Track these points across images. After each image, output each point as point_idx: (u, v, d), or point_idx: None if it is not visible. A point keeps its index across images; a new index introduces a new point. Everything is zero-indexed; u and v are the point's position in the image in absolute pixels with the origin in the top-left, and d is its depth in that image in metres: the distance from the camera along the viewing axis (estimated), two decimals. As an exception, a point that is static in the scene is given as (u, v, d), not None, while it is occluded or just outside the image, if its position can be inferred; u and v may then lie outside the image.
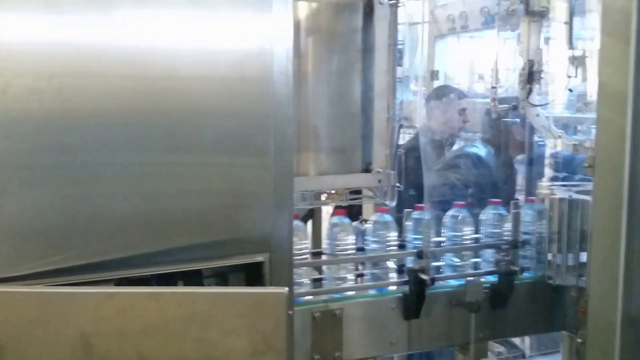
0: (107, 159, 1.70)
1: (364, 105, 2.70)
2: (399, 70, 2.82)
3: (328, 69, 2.68)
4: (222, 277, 1.96)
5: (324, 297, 2.51)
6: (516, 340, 4.15)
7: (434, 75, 5.88)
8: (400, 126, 2.80)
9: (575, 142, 2.79)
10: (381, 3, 2.66)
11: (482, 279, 2.70)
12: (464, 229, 2.78)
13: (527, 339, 4.18)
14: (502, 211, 2.83)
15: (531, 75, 2.95)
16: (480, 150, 3.85)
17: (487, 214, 2.83)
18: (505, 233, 2.79)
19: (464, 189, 3.65)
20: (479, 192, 3.65)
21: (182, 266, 1.82)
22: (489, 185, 3.73)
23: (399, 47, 2.83)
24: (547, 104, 2.99)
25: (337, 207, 2.74)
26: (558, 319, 2.82)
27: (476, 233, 2.81)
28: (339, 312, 2.49)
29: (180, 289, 1.75)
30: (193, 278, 1.89)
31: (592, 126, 3.64)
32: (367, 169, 2.70)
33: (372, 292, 2.64)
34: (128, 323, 1.59)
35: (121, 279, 1.73)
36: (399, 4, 2.77)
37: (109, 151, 1.70)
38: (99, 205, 1.69)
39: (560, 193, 2.65)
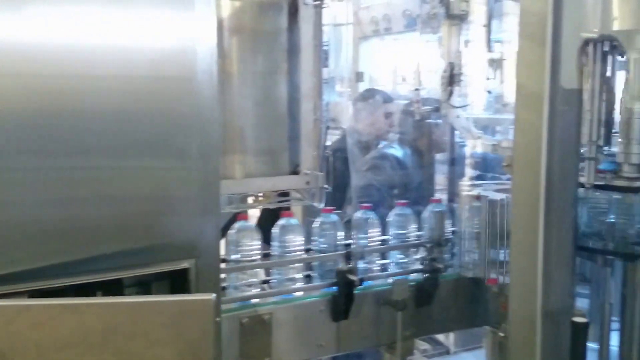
0: (15, 164, 1.61)
1: (290, 107, 2.68)
2: (324, 71, 2.82)
3: (253, 69, 2.64)
4: (144, 286, 1.89)
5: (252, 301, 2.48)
6: (440, 337, 4.24)
7: (359, 76, 5.95)
8: (327, 127, 2.80)
9: (494, 143, 2.87)
10: (306, 4, 2.65)
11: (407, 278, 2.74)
12: (380, 230, 2.81)
13: (451, 336, 4.27)
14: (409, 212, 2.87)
15: (452, 78, 3.02)
16: (398, 151, 3.90)
17: (393, 215, 2.87)
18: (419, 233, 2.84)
19: (382, 190, 3.69)
20: (398, 192, 3.70)
21: (101, 276, 1.75)
22: (407, 186, 3.79)
23: (325, 48, 2.83)
24: (467, 105, 3.07)
25: (264, 210, 2.71)
26: (481, 314, 2.89)
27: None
28: (268, 317, 2.47)
29: (100, 300, 1.67)
30: (113, 288, 1.81)
31: (510, 127, 3.77)
32: (295, 171, 2.68)
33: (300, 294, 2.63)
34: (45, 337, 1.51)
35: (34, 291, 1.64)
36: (324, 5, 2.77)
37: (16, 155, 1.61)
38: (6, 212, 1.60)
39: (482, 192, 2.72)
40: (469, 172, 3.60)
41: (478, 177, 3.24)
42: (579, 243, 2.29)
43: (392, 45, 5.84)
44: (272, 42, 2.67)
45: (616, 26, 2.34)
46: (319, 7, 2.74)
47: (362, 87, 6.02)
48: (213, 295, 1.53)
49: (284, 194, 2.81)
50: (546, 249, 1.89)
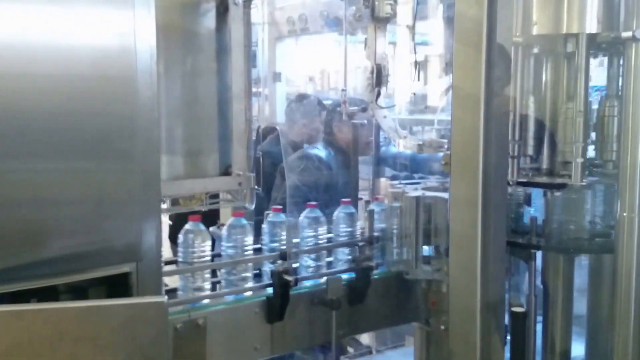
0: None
1: (220, 107, 2.64)
2: (253, 71, 2.80)
3: (182, 69, 2.59)
4: (80, 292, 1.81)
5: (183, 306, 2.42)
6: (361, 337, 4.30)
7: (276, 77, 5.95)
8: (259, 128, 2.78)
9: (420, 142, 2.95)
10: (236, 4, 2.62)
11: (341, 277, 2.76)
12: (319, 229, 2.82)
13: (373, 336, 4.35)
14: (352, 210, 2.91)
15: (378, 79, 3.07)
16: (321, 151, 3.93)
17: (337, 214, 2.90)
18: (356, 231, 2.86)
19: (306, 190, 3.71)
20: (322, 192, 3.73)
21: (35, 283, 1.65)
22: (331, 186, 3.83)
23: (253, 48, 2.81)
24: (393, 106, 3.13)
25: (191, 213, 2.64)
26: (410, 310, 2.96)
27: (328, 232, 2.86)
28: (202, 321, 2.41)
29: (47, 305, 1.58)
30: (48, 296, 1.71)
31: (427, 127, 3.89)
32: (226, 172, 2.64)
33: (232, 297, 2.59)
34: (-13, 345, 1.41)
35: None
36: (252, 5, 2.75)
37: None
38: None
39: (410, 191, 2.78)
40: (397, 171, 3.69)
41: (406, 177, 3.33)
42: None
43: (310, 46, 5.89)
44: (201, 42, 2.62)
45: (535, 31, 2.48)
46: (247, 7, 2.72)
47: (279, 87, 6.03)
48: (164, 298, 1.49)
49: (214, 196, 2.76)
50: (484, 242, 1.97)
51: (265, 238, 2.71)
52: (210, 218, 2.79)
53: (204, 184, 2.59)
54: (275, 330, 2.61)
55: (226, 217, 3.10)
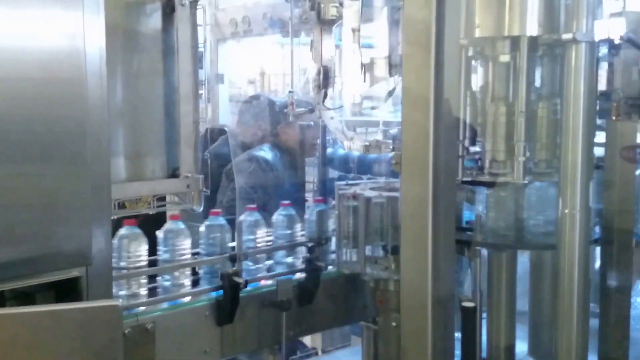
0: None
1: (168, 109, 2.61)
2: (200, 73, 2.77)
3: (127, 70, 2.55)
4: (27, 298, 1.75)
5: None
6: (307, 339, 4.32)
7: (218, 78, 5.90)
8: (207, 130, 2.76)
9: (366, 143, 2.98)
10: (183, 4, 2.60)
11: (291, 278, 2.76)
12: (266, 231, 2.82)
13: (319, 337, 4.37)
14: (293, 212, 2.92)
15: (325, 80, 3.10)
16: (267, 153, 3.92)
17: (279, 216, 2.90)
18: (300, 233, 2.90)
19: (252, 192, 3.70)
20: (269, 194, 3.72)
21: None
22: (278, 188, 3.83)
23: (200, 49, 2.79)
24: (341, 107, 3.16)
25: (127, 218, 2.58)
26: (358, 310, 2.99)
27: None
28: (151, 325, 2.37)
29: (-2, 312, 1.52)
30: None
31: (371, 128, 3.94)
32: (174, 174, 2.61)
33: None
34: None
35: None
36: (199, 6, 2.73)
37: None
38: None
39: (358, 191, 2.81)
40: (344, 172, 3.72)
41: (354, 177, 3.36)
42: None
43: (253, 47, 5.86)
44: (147, 43, 2.59)
45: (478, 33, 2.55)
46: (194, 8, 2.70)
47: (222, 89, 5.98)
48: (119, 301, 1.46)
49: (161, 199, 2.72)
50: (435, 239, 2.01)
51: (204, 241, 2.67)
52: (157, 221, 2.74)
53: (151, 187, 2.56)
54: (225, 332, 2.60)
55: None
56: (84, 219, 1.71)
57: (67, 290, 1.72)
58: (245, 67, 7.21)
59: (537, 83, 2.69)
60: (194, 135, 2.62)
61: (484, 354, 2.74)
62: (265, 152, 3.91)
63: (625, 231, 2.48)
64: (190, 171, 2.61)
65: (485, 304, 2.76)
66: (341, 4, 3.11)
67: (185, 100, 2.60)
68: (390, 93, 3.21)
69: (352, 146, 3.16)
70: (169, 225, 2.52)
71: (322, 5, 3.13)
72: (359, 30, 3.15)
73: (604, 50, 2.61)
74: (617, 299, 2.52)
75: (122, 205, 2.56)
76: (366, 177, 3.62)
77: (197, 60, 2.73)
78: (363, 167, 3.90)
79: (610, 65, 2.62)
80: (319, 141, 3.72)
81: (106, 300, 1.61)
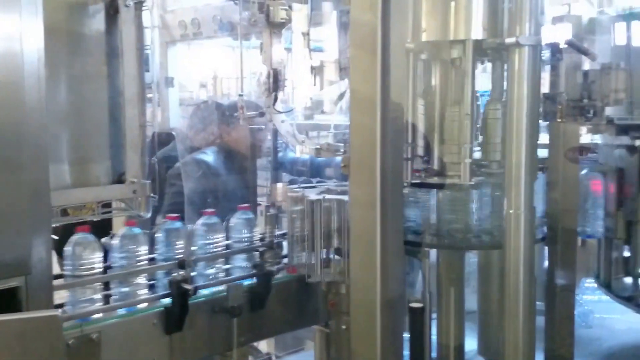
0: None
1: (113, 112, 2.55)
2: (147, 75, 2.72)
3: (69, 73, 2.48)
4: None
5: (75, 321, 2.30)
6: (261, 345, 4.29)
7: (168, 81, 5.82)
8: (154, 134, 2.71)
9: (317, 146, 2.98)
10: (127, 6, 2.54)
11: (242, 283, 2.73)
12: (215, 236, 2.78)
13: (272, 342, 4.34)
14: (251, 215, 2.89)
15: (275, 84, 3.08)
16: (209, 156, 3.87)
17: (237, 220, 2.88)
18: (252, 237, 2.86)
19: (194, 196, 3.64)
20: (213, 198, 3.67)
21: None
22: (223, 191, 3.78)
23: (146, 51, 2.74)
24: (291, 110, 3.15)
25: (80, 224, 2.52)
26: (310, 314, 2.98)
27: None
28: (97, 335, 2.30)
29: None
30: None
31: (323, 132, 3.94)
32: (119, 180, 2.55)
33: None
34: None
35: None
36: (144, 8, 2.68)
37: None
38: None
39: (308, 194, 2.80)
40: (295, 176, 3.71)
41: (305, 181, 3.35)
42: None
43: (203, 50, 5.81)
44: (90, 45, 2.53)
45: (425, 37, 2.58)
46: (139, 10, 2.64)
47: (172, 92, 5.90)
48: (59, 311, 1.41)
49: (107, 205, 2.65)
50: (383, 242, 2.02)
51: (160, 247, 2.63)
52: (102, 228, 2.67)
53: (95, 193, 2.49)
54: (174, 341, 2.55)
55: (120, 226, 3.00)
56: (22, 227, 1.65)
57: (6, 301, 1.66)
58: (196, 71, 7.14)
59: (488, 86, 2.74)
60: (141, 140, 2.56)
61: (434, 354, 2.77)
62: (207, 155, 3.85)
63: (569, 230, 2.54)
64: (137, 176, 2.55)
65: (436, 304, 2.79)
66: (290, 7, 3.10)
67: (130, 104, 2.54)
68: (341, 96, 3.22)
69: (304, 150, 3.15)
70: (124, 231, 2.46)
71: (271, 8, 3.11)
72: (308, 34, 3.15)
73: (548, 54, 2.68)
74: (562, 297, 2.58)
75: (65, 213, 2.49)
76: (316, 181, 3.62)
77: (143, 62, 2.67)
78: (315, 170, 3.90)
79: (555, 68, 2.69)
80: (269, 144, 3.69)
81: (45, 310, 1.55)
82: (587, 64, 2.74)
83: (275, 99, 3.07)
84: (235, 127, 3.72)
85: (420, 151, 2.68)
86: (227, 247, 2.82)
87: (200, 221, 2.75)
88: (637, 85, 2.55)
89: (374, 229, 2.02)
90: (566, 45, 2.65)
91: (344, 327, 2.51)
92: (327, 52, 3.21)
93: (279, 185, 3.50)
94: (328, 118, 3.52)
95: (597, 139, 2.98)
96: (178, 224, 2.66)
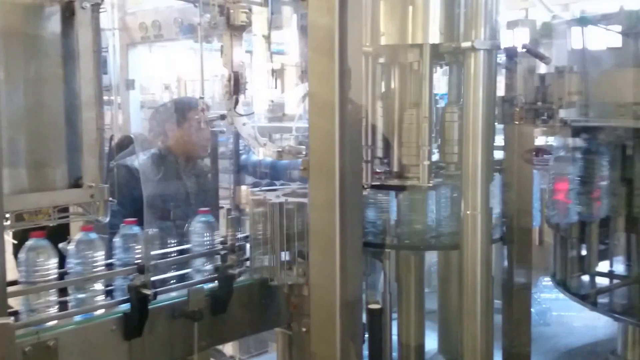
0: None
1: (69, 115, 2.51)
2: (104, 78, 2.69)
3: (23, 75, 2.43)
4: None
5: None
6: (225, 347, 4.27)
7: (129, 84, 5.76)
8: (111, 137, 2.67)
9: (279, 149, 2.99)
10: (83, 7, 2.50)
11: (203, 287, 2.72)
12: (175, 240, 2.77)
13: (236, 345, 4.33)
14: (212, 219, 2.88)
15: (236, 86, 3.08)
16: (140, 160, 3.81)
17: (196, 223, 2.86)
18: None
19: (152, 200, 3.59)
20: (172, 202, 3.63)
21: None
22: (181, 195, 3.75)
23: (103, 54, 2.70)
24: (252, 113, 3.15)
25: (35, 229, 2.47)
26: (273, 316, 2.98)
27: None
28: (53, 342, 2.27)
29: None
30: None
31: (287, 134, 3.95)
32: (76, 184, 2.51)
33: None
34: None
35: None
36: (101, 9, 2.65)
37: None
38: None
39: (270, 197, 2.81)
40: (258, 179, 3.70)
41: (269, 183, 3.34)
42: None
43: (165, 52, 5.77)
44: (45, 47, 2.48)
45: (383, 41, 2.61)
46: (96, 12, 2.61)
47: (133, 95, 5.84)
48: (11, 319, 1.38)
49: (63, 210, 2.61)
50: (342, 244, 2.04)
51: (118, 252, 2.60)
52: (60, 234, 2.63)
53: (51, 198, 2.44)
54: (134, 347, 2.52)
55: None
56: (-28, 233, 1.61)
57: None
58: (159, 73, 7.08)
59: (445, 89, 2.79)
60: (98, 143, 2.53)
61: (394, 354, 2.80)
62: (134, 159, 3.79)
63: (525, 230, 2.60)
64: (95, 180, 2.51)
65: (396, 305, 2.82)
66: (251, 10, 3.10)
67: (87, 107, 2.50)
68: (303, 99, 3.23)
69: (265, 152, 3.16)
70: (80, 236, 2.42)
71: (232, 11, 3.11)
72: (269, 37, 3.16)
73: (504, 57, 2.73)
74: (518, 295, 2.63)
75: (21, 218, 2.44)
76: (280, 183, 3.62)
77: (101, 65, 2.64)
78: (281, 172, 3.90)
79: (512, 72, 2.74)
80: (226, 147, 3.67)
81: (-5, 318, 1.52)
82: (542, 68, 2.80)
83: (236, 102, 3.06)
84: (182, 129, 3.67)
85: (380, 153, 2.71)
86: (188, 250, 2.81)
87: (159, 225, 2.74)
88: (592, 88, 2.62)
89: (333, 230, 2.04)
90: (524, 50, 2.70)
91: (303, 329, 2.51)
92: (289, 55, 3.22)
93: (243, 188, 3.50)
94: (291, 120, 3.54)
95: (552, 140, 3.05)
96: (136, 229, 2.64)
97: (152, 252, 2.58)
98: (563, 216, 2.83)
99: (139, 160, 3.72)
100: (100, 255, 2.48)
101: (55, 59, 2.51)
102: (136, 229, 2.62)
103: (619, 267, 2.88)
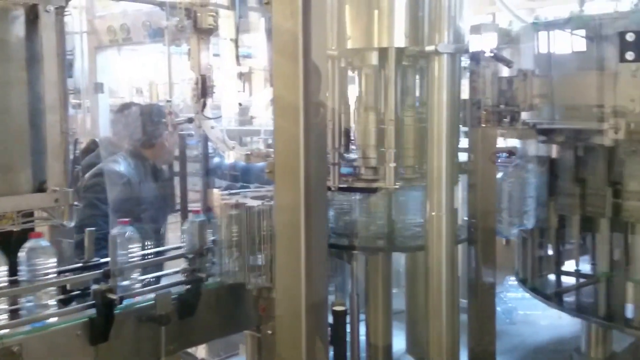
0: None
1: (33, 119, 2.48)
2: (69, 81, 2.67)
3: (-10, 79, 2.41)
4: None
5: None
6: (197, 350, 4.25)
7: (97, 87, 5.71)
8: (76, 141, 2.65)
9: (248, 152, 3.00)
10: (47, 11, 2.48)
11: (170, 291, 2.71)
12: (139, 244, 2.75)
13: (207, 347, 4.31)
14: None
15: (204, 90, 3.08)
16: (120, 165, 3.80)
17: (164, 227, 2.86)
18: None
19: (117, 205, 3.57)
20: (137, 207, 3.61)
21: None
22: (143, 199, 3.73)
23: (68, 57, 2.69)
24: (220, 116, 3.15)
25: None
26: (242, 319, 2.98)
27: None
28: (17, 348, 2.25)
29: None
30: None
31: (256, 137, 3.96)
32: (41, 188, 2.48)
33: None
34: None
35: None
36: (66, 13, 2.63)
37: None
38: None
39: (239, 200, 2.81)
40: (227, 181, 3.70)
41: (240, 187, 3.34)
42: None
43: (133, 56, 5.73)
44: (9, 51, 2.45)
45: (350, 45, 2.63)
46: (60, 15, 2.60)
47: (102, 98, 5.79)
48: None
49: (28, 214, 2.58)
50: (307, 246, 2.05)
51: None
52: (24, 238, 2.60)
53: (14, 202, 2.41)
54: (100, 352, 2.50)
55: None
56: None
57: None
58: (128, 76, 7.03)
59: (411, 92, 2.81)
60: (62, 147, 2.51)
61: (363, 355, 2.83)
62: (118, 164, 3.77)
63: (489, 230, 2.63)
64: (59, 184, 2.49)
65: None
66: (218, 14, 3.11)
67: (51, 110, 2.48)
68: (271, 102, 3.24)
69: (234, 155, 3.16)
70: (30, 243, 2.39)
71: (199, 14, 3.11)
72: (236, 40, 3.17)
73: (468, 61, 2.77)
74: (483, 295, 2.67)
75: (-17, 223, 2.41)
76: (254, 186, 3.62)
77: (66, 68, 2.62)
78: (253, 176, 3.89)
79: (477, 75, 2.78)
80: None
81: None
82: (507, 71, 2.85)
83: (204, 105, 3.07)
84: (151, 133, 3.66)
85: (347, 156, 2.73)
86: (158, 254, 2.80)
87: (127, 230, 2.71)
88: (557, 91, 2.67)
89: (298, 233, 2.05)
90: (489, 54, 2.74)
91: (269, 332, 2.52)
92: (257, 58, 3.23)
93: (215, 191, 3.49)
94: (260, 124, 3.54)
95: (517, 142, 3.10)
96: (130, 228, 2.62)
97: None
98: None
99: (104, 164, 3.69)
100: (52, 262, 2.43)
101: (20, 63, 2.48)
102: (44, 242, 2.56)
103: (586, 267, 2.92)
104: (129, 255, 2.66)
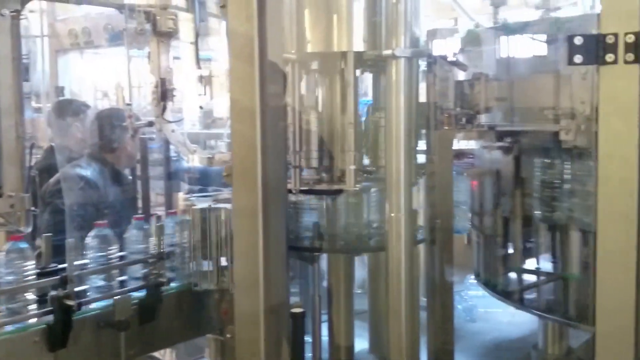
0: None
1: (-13, 124, 2.46)
2: (25, 85, 2.65)
3: None
4: None
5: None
6: (160, 354, 4.22)
7: (58, 91, 5.63)
8: (32, 145, 2.62)
9: (209, 156, 2.99)
10: (2, 15, 2.46)
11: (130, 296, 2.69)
12: (108, 248, 2.73)
13: (172, 351, 4.28)
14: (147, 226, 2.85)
15: (164, 93, 3.07)
16: (85, 169, 3.76)
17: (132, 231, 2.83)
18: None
19: (77, 210, 3.52)
20: (96, 211, 3.57)
21: None
22: (107, 203, 3.69)
23: (25, 61, 2.66)
24: (181, 120, 3.14)
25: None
26: (204, 323, 2.97)
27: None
28: (-28, 357, 2.21)
29: None
30: None
31: (220, 141, 3.96)
32: (-4, 194, 2.46)
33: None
34: None
35: None
36: (21, 17, 2.61)
37: None
38: None
39: (200, 203, 2.80)
40: (188, 185, 3.68)
41: (200, 190, 3.33)
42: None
43: (95, 59, 5.67)
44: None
45: (309, 48, 2.65)
46: (16, 19, 2.57)
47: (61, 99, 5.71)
48: None
49: (-16, 220, 2.55)
50: (265, 250, 2.06)
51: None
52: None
53: (-31, 208, 2.38)
54: (59, 358, 2.47)
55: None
56: None
57: None
58: (90, 80, 6.94)
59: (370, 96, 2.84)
60: (18, 152, 2.48)
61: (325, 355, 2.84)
62: (83, 169, 3.72)
63: (446, 230, 2.68)
64: (15, 189, 2.47)
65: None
66: (177, 17, 3.11)
67: (6, 115, 2.47)
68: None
69: (195, 159, 3.15)
70: (9, 245, 2.36)
71: (158, 18, 3.10)
72: (196, 43, 3.16)
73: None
74: (441, 294, 2.71)
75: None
76: (212, 189, 3.61)
77: (21, 72, 2.60)
78: (211, 179, 3.88)
79: (434, 79, 2.82)
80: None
81: None
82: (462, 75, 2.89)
83: (164, 109, 3.06)
84: (110, 136, 3.62)
85: (311, 160, 2.74)
86: (120, 259, 2.76)
87: (92, 233, 2.69)
88: (516, 94, 2.71)
89: (256, 236, 2.06)
90: (451, 58, 2.78)
91: (228, 335, 2.52)
92: (218, 61, 3.23)
93: (180, 194, 3.48)
94: (222, 127, 3.54)
95: (473, 144, 3.15)
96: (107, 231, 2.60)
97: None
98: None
99: (81, 171, 3.64)
100: (30, 265, 2.41)
101: (-27, 66, 2.45)
102: (24, 245, 2.54)
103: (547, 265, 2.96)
104: (93, 259, 2.64)
